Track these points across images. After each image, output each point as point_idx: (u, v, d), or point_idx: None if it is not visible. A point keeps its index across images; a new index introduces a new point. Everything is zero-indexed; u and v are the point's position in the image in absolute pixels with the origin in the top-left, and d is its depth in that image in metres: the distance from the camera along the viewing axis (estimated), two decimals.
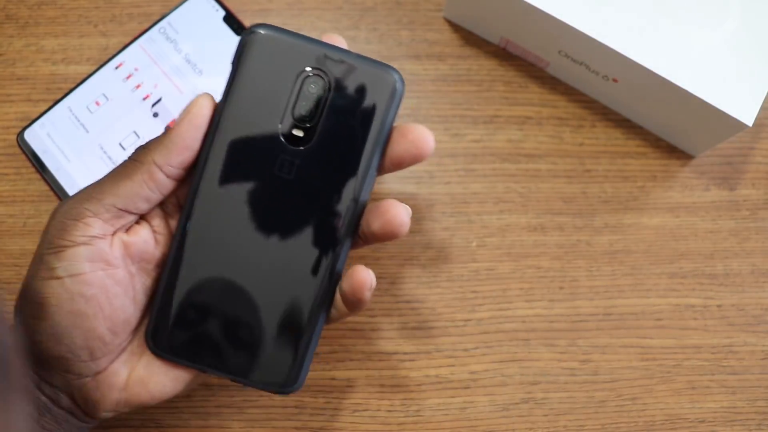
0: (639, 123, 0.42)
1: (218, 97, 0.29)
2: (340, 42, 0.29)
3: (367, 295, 0.28)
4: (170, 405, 0.37)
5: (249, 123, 0.28)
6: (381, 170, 0.29)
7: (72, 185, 0.39)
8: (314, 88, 0.28)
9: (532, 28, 0.38)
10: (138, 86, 0.40)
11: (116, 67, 0.41)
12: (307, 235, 0.28)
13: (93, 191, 0.28)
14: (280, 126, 0.28)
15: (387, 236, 0.28)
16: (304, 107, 0.28)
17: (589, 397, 0.38)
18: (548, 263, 0.40)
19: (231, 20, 0.41)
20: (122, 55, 0.41)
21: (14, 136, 0.40)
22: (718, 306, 0.40)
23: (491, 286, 0.39)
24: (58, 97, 0.40)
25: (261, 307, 0.29)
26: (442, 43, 0.42)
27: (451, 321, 0.39)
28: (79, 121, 0.40)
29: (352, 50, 0.29)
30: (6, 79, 0.41)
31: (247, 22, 0.41)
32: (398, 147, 0.28)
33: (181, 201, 0.30)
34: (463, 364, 0.38)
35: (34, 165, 0.39)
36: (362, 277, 0.27)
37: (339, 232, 0.28)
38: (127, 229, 0.29)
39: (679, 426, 0.38)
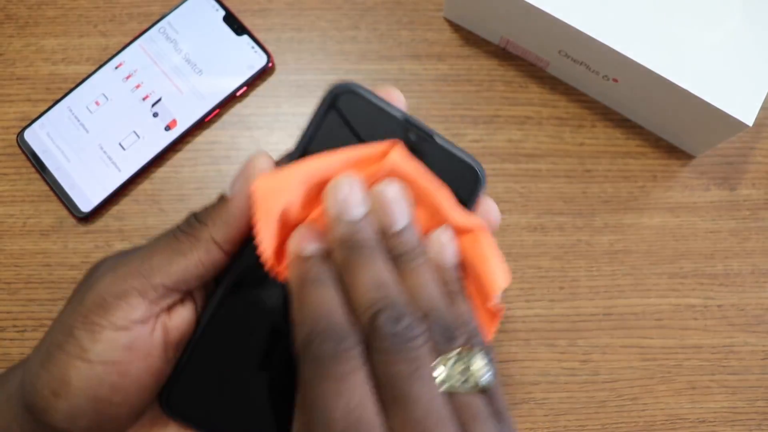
0: (639, 123, 0.42)
1: (277, 152, 0.26)
2: (399, 98, 0.26)
3: None
4: None
5: None
6: None
7: (72, 185, 0.39)
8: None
9: (532, 27, 0.38)
10: (138, 86, 0.40)
11: (116, 67, 0.41)
12: None
13: (142, 266, 0.25)
14: None
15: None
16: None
17: (589, 397, 0.38)
18: (548, 263, 0.40)
19: (231, 20, 0.41)
20: (122, 55, 0.41)
21: (14, 136, 0.40)
22: (719, 306, 0.40)
23: None
24: (58, 97, 0.40)
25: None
26: (442, 43, 0.42)
27: None
28: (78, 120, 0.40)
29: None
30: (6, 79, 0.41)
31: (247, 22, 0.41)
32: None
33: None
34: None
35: (33, 165, 0.39)
36: None
37: None
38: (169, 309, 0.26)
39: (680, 426, 0.38)
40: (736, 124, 0.36)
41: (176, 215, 0.39)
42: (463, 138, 0.41)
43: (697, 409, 0.39)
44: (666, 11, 0.37)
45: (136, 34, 0.41)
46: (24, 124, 0.40)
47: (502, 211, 0.40)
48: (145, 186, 0.40)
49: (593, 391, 0.38)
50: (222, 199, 0.25)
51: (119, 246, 0.39)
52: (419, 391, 0.20)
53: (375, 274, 0.22)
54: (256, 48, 0.41)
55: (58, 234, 0.39)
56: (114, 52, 0.41)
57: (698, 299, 0.40)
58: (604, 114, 0.42)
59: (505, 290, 0.39)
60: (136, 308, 0.24)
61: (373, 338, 0.21)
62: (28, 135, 0.40)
